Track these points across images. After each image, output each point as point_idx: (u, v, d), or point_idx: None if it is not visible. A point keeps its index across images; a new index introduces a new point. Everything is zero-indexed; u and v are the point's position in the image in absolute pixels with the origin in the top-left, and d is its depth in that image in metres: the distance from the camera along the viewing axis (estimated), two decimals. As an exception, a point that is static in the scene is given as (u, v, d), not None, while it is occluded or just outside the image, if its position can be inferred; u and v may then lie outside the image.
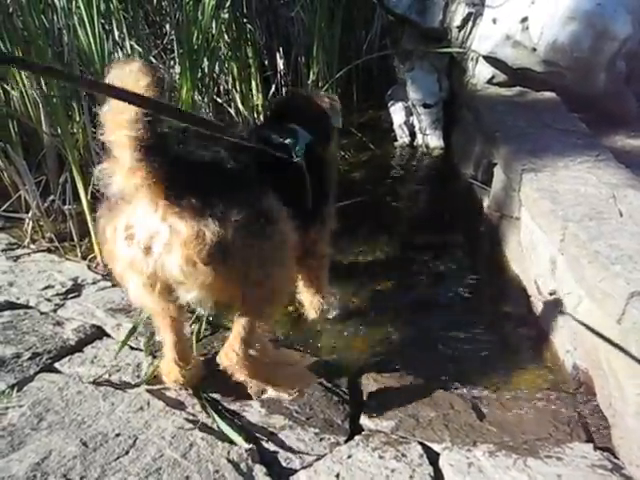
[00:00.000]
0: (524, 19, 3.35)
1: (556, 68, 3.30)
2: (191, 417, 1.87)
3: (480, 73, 3.74)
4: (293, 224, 1.77)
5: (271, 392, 2.00)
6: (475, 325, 2.56)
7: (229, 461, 1.68)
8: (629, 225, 2.17)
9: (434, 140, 4.32)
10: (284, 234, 1.74)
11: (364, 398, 2.09)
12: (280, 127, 2.21)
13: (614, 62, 3.21)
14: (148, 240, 1.53)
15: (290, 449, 1.78)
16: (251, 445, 1.77)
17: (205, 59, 3.79)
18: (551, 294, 2.36)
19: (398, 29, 4.56)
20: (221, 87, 4.52)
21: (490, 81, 3.69)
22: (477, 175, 3.54)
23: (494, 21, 3.52)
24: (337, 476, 1.67)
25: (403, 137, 4.41)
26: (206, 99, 4.08)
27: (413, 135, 4.41)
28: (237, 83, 4.38)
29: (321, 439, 1.84)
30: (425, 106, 4.28)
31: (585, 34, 3.14)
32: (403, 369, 2.29)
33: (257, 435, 1.85)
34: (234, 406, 1.97)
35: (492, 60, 3.57)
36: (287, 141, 2.08)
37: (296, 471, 1.70)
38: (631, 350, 1.78)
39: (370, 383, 2.16)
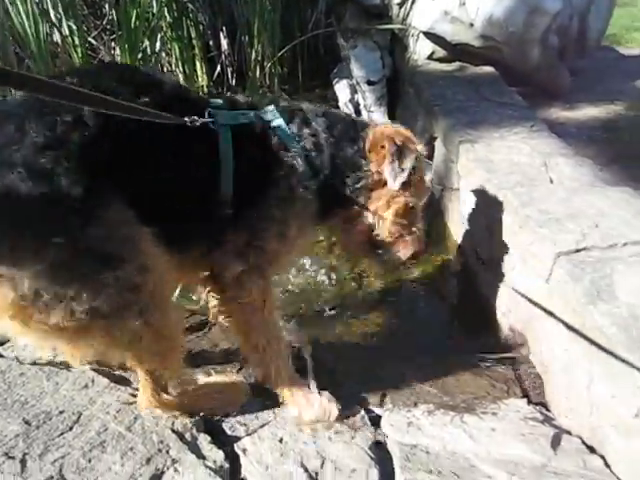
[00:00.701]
0: (461, -5, 3.42)
1: (493, 43, 3.39)
2: (136, 392, 1.88)
3: (421, 49, 3.80)
4: (165, 246, 1.46)
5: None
6: (418, 293, 2.64)
7: (173, 431, 1.70)
8: (558, 191, 2.26)
9: (379, 117, 4.37)
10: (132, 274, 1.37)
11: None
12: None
13: (547, 36, 3.31)
14: None
15: (234, 417, 1.82)
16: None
17: (146, 39, 3.75)
18: (489, 260, 2.45)
19: (341, 7, 4.58)
20: (164, 68, 4.47)
21: (430, 57, 3.76)
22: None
23: (432, -3, 3.58)
24: (280, 441, 1.71)
25: (348, 114, 4.44)
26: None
27: (358, 112, 4.45)
28: (180, 64, 4.34)
29: (265, 406, 1.88)
30: (369, 83, 4.32)
31: (519, 9, 3.22)
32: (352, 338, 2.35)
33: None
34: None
35: (431, 36, 3.63)
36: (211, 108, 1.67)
37: (240, 438, 1.73)
38: (557, 308, 1.87)
39: (320, 352, 2.20)
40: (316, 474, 1.59)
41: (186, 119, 1.52)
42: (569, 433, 1.82)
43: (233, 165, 1.63)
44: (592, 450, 1.73)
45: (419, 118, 3.63)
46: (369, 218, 1.92)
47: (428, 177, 3.26)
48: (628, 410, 1.54)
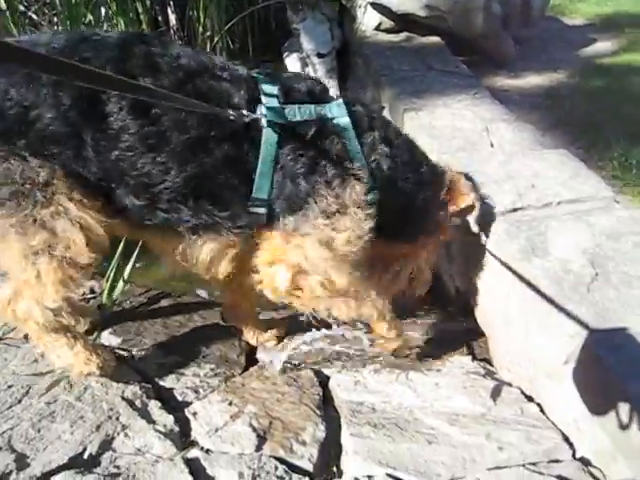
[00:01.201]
0: (405, -35, 3.44)
1: (438, 12, 3.43)
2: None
3: (368, 20, 3.82)
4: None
5: None
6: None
7: (123, 399, 1.72)
8: (498, 154, 2.33)
9: (330, 89, 4.37)
10: None
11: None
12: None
13: (490, 4, 3.36)
14: None
15: (185, 384, 1.84)
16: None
17: (88, 14, 3.65)
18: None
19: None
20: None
21: (378, 28, 3.78)
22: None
23: (377, -32, 3.60)
24: (230, 404, 1.75)
25: (300, 88, 4.44)
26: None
27: (310, 85, 4.44)
28: (126, 39, 4.25)
29: (216, 374, 1.91)
30: (319, 56, 4.31)
31: (461, -22, 3.28)
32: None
33: (153, 374, 1.89)
34: (134, 350, 2.00)
35: (378, 6, 3.65)
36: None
37: (190, 403, 1.76)
38: (496, 265, 1.94)
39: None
40: (264, 432, 1.63)
41: (231, 113, 1.41)
42: (510, 385, 1.90)
43: (272, 169, 1.51)
44: (530, 399, 1.82)
45: (368, 89, 3.66)
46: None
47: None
48: (559, 358, 1.62)
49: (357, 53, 3.99)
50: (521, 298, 1.80)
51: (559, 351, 1.63)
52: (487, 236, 1.97)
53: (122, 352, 1.98)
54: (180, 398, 1.80)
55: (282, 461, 1.55)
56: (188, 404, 1.76)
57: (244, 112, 1.44)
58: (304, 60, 4.42)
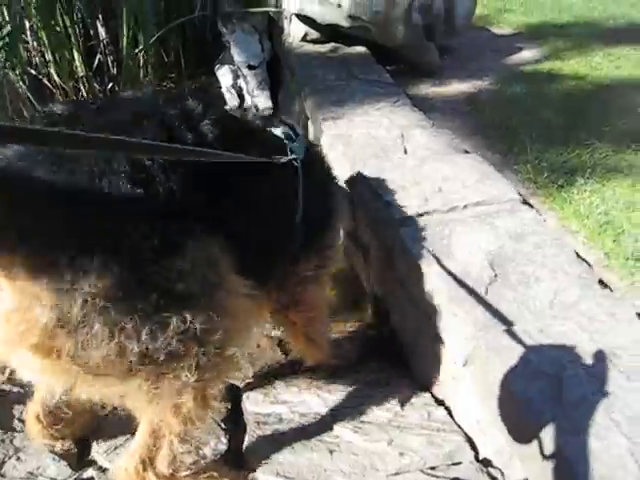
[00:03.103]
0: (327, -24, 3.46)
1: (360, 22, 3.45)
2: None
3: (295, 31, 3.83)
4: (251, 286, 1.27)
5: None
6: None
7: (21, 421, 1.66)
8: (410, 160, 2.34)
9: (262, 101, 4.36)
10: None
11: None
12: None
13: (410, 15, 3.41)
14: None
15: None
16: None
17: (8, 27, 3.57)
18: (348, 233, 2.50)
19: (219, -9, 4.54)
20: (35, 59, 4.28)
21: (304, 39, 3.79)
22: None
23: (300, -21, 3.61)
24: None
25: (232, 100, 4.42)
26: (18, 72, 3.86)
27: (242, 97, 4.43)
28: (50, 53, 4.16)
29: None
30: (250, 67, 4.30)
31: (380, -12, 3.31)
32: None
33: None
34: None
35: (303, 18, 3.66)
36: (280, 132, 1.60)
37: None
38: (401, 271, 1.95)
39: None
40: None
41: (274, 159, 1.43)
42: (422, 390, 1.90)
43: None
44: (440, 403, 1.82)
45: (295, 100, 3.66)
46: None
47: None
48: (460, 360, 1.62)
49: (285, 64, 3.99)
50: (428, 303, 1.80)
51: (459, 354, 1.63)
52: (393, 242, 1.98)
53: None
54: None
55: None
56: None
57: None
58: (235, 72, 4.41)
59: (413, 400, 1.83)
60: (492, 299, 1.66)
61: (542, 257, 1.82)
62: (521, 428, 1.39)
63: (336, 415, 1.74)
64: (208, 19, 4.70)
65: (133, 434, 1.62)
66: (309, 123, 3.22)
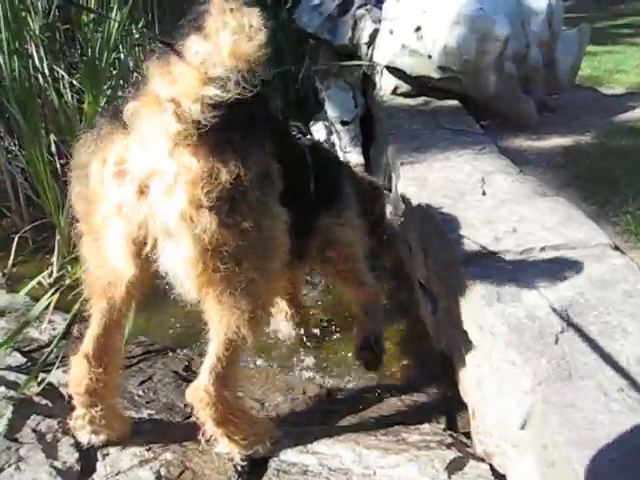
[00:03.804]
0: (418, 28, 3.39)
1: (451, 73, 3.33)
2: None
3: (386, 85, 3.76)
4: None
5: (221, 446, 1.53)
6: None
7: (34, 431, 1.59)
8: (487, 201, 2.13)
9: (354, 156, 4.30)
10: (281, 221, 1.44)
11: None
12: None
13: (502, 63, 3.24)
14: (145, 178, 1.27)
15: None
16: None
17: None
18: (422, 284, 2.27)
19: (316, 50, 4.62)
20: None
21: (395, 92, 3.71)
22: (386, 184, 3.51)
23: (391, 32, 3.56)
24: (149, 449, 1.55)
25: (325, 156, 4.40)
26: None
27: (335, 154, 4.40)
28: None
29: (152, 419, 1.75)
30: (343, 123, 4.28)
31: (470, 37, 3.18)
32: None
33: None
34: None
35: (393, 70, 3.59)
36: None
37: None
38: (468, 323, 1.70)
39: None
40: (167, 481, 1.43)
41: None
42: (482, 460, 1.61)
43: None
44: (501, 477, 1.53)
45: (385, 153, 3.55)
46: None
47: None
48: (515, 420, 1.35)
49: (377, 118, 3.92)
50: (487, 352, 1.55)
51: (517, 412, 1.36)
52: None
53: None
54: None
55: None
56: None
57: None
58: (329, 128, 4.40)
59: (466, 469, 1.54)
60: (562, 350, 1.39)
61: (633, 307, 1.53)
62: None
63: (369, 476, 1.49)
64: (304, 75, 4.74)
65: (142, 463, 1.50)
66: (390, 171, 3.09)
